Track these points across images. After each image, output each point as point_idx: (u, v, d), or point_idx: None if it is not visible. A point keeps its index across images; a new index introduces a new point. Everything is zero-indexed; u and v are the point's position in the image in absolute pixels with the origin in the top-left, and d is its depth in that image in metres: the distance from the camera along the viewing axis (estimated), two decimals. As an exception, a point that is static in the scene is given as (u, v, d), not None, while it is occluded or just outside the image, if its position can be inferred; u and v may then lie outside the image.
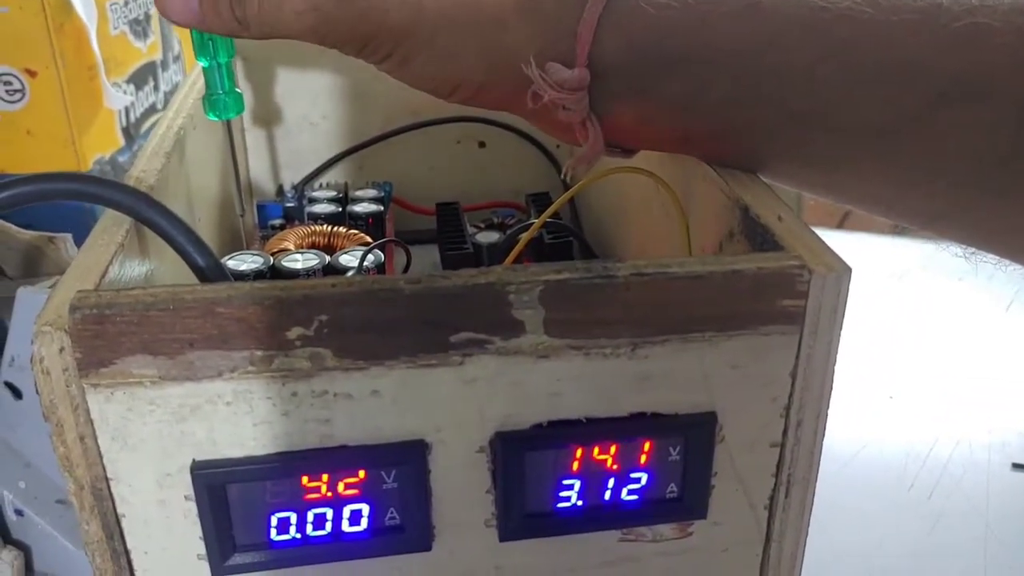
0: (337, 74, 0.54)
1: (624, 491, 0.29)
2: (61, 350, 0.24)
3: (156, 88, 0.71)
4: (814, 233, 0.29)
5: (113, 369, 0.25)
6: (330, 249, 0.45)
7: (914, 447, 0.62)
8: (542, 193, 0.55)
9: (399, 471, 0.27)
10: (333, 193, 0.53)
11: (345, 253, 0.44)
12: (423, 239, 0.52)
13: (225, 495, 0.27)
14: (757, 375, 0.28)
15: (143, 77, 0.69)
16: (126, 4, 0.65)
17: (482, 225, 0.52)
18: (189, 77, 0.48)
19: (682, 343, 0.27)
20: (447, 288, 0.25)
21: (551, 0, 0.31)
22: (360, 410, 0.26)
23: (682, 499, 0.29)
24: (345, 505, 0.28)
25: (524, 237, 0.39)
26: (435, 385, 0.26)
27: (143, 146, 0.37)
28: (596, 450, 0.28)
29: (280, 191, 0.57)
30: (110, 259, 0.28)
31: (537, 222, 0.39)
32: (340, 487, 0.27)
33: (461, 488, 0.28)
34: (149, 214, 0.29)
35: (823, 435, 0.29)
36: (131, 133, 0.66)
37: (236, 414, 0.26)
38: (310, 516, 0.28)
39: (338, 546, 0.28)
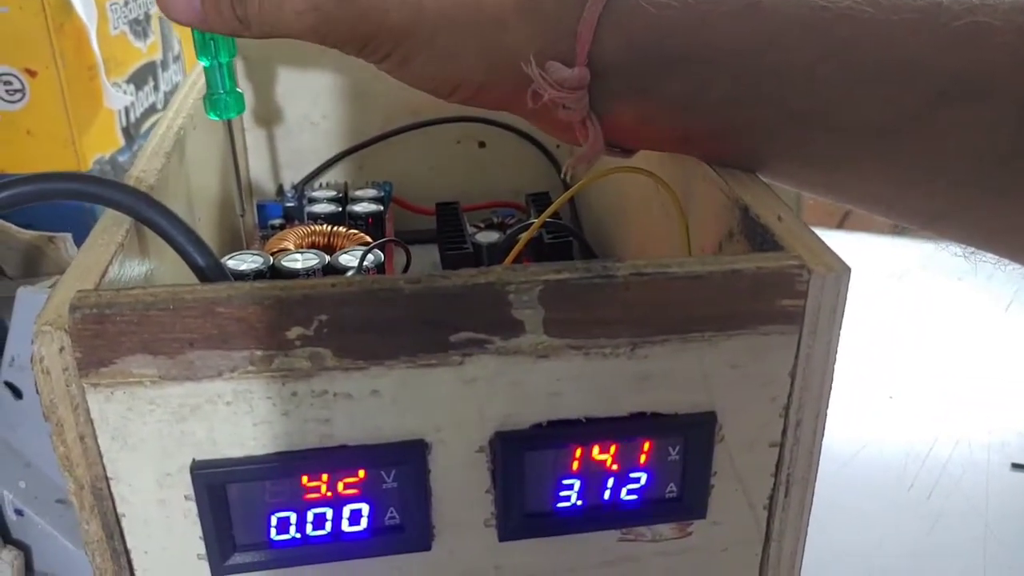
0: (337, 74, 0.54)
1: (624, 491, 0.29)
2: (61, 350, 0.24)
3: (156, 88, 0.71)
4: (814, 233, 0.29)
5: (113, 369, 0.25)
6: (330, 249, 0.45)
7: (914, 447, 0.62)
8: (542, 193, 0.55)
9: (399, 471, 0.27)
10: (333, 193, 0.53)
11: (345, 253, 0.44)
12: (423, 239, 0.52)
13: (225, 495, 0.27)
14: (756, 375, 0.28)
15: (143, 77, 0.69)
16: (126, 4, 0.65)
17: (482, 225, 0.52)
18: (189, 77, 0.48)
19: (682, 343, 0.27)
20: (447, 288, 0.25)
21: (551, 0, 0.31)
22: (360, 410, 0.26)
23: (682, 499, 0.29)
24: (345, 505, 0.28)
25: (524, 237, 0.39)
26: (435, 385, 0.26)
27: (143, 146, 0.37)
28: (596, 450, 0.28)
29: (280, 191, 0.57)
30: (110, 259, 0.28)
31: (537, 222, 0.39)
32: (340, 487, 0.27)
33: (461, 488, 0.28)
34: (149, 214, 0.29)
35: (822, 435, 0.29)
36: (131, 133, 0.66)
37: (236, 414, 0.26)
38: (310, 516, 0.28)
39: (338, 546, 0.28)
